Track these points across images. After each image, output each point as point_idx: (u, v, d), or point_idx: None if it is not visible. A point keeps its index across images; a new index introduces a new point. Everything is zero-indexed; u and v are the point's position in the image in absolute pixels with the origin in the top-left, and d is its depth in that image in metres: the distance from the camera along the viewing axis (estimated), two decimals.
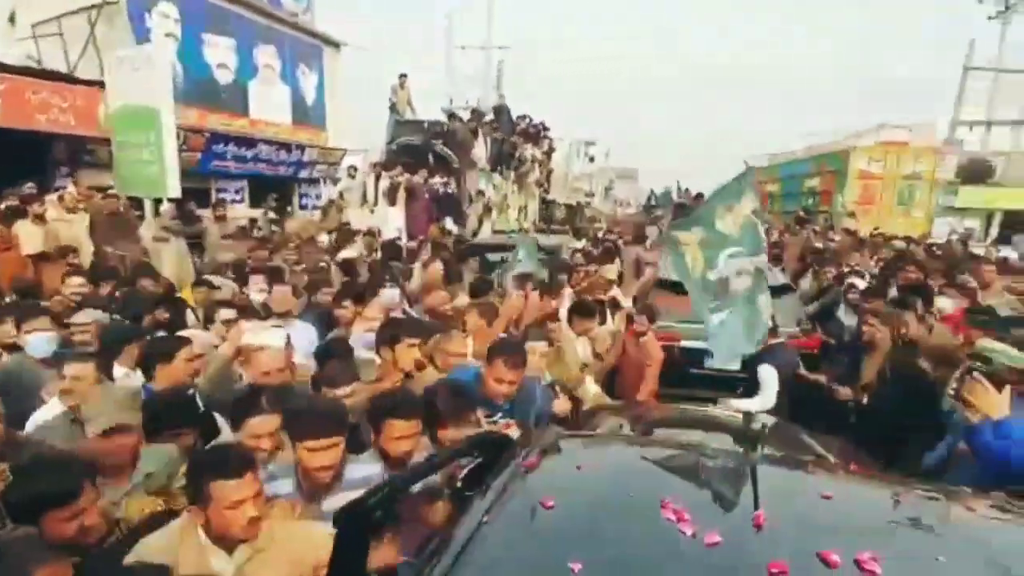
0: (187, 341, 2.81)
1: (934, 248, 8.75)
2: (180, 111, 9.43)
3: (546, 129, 16.54)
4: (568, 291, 5.30)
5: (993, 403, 2.27)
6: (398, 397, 2.23)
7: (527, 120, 15.25)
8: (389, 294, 4.31)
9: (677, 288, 5.29)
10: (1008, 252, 12.11)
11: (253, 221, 11.04)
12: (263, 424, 2.09)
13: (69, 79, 8.21)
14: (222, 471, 1.62)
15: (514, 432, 2.48)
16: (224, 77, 10.43)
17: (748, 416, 3.14)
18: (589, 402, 3.48)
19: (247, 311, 3.66)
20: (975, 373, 2.43)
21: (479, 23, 19.95)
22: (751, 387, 4.56)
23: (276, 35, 11.64)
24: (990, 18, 23.66)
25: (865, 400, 4.02)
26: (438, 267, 5.56)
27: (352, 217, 9.20)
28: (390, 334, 2.88)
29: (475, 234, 10.07)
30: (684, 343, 5.21)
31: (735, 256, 4.06)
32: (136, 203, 7.76)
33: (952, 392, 2.51)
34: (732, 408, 3.91)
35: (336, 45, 13.44)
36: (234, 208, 11.26)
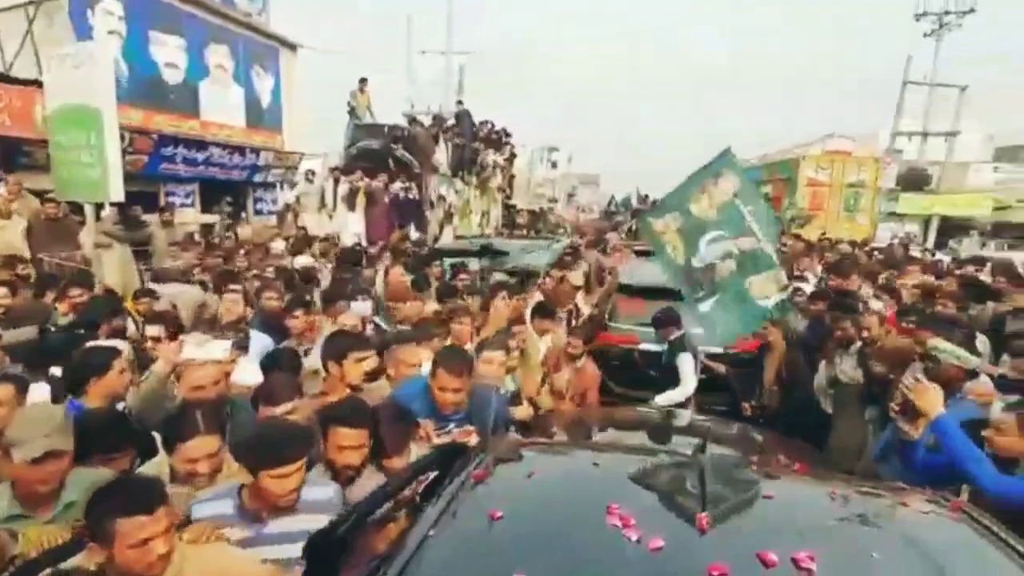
0: (118, 351, 2.65)
1: (876, 252, 9.17)
2: (125, 112, 9.07)
3: (508, 135, 16.61)
4: (537, 295, 5.34)
5: (934, 402, 2.30)
6: (346, 405, 2.18)
7: (489, 126, 15.29)
8: (362, 306, 4.17)
9: (637, 292, 5.71)
10: (942, 256, 12.79)
11: (206, 227, 10.71)
12: (199, 447, 1.98)
13: (5, 78, 7.77)
14: (128, 508, 1.48)
15: (474, 440, 2.47)
16: (173, 77, 10.07)
17: (698, 416, 3.23)
18: (543, 408, 3.49)
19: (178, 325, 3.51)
20: (918, 375, 2.47)
21: (441, 28, 19.82)
22: (711, 387, 4.88)
23: (229, 35, 11.32)
24: (925, 35, 25.15)
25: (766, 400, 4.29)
26: (398, 273, 5.49)
27: (309, 223, 9.00)
28: (337, 348, 2.77)
29: (436, 240, 10.01)
30: (643, 346, 5.29)
31: (717, 240, 4.15)
32: (76, 208, 7.39)
33: (896, 407, 2.48)
34: (657, 405, 4.12)
35: (292, 47, 13.16)
36: (184, 213, 10.90)
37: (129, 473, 2.02)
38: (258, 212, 12.72)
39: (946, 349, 2.95)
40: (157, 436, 2.19)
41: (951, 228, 23.10)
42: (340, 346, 2.74)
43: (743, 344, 5.27)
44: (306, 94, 14.29)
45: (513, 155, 16.96)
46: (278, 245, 7.46)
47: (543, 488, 1.58)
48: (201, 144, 10.58)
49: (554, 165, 34.61)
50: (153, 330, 3.32)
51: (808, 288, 5.27)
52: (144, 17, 9.45)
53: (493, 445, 1.97)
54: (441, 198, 11.03)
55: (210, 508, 1.86)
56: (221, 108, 11.15)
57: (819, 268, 6.99)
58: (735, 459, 2.11)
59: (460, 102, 15.03)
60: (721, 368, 4.75)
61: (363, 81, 11.98)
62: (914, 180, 23.35)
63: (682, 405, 4.22)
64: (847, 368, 3.71)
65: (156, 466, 2.08)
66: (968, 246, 20.29)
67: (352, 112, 12.07)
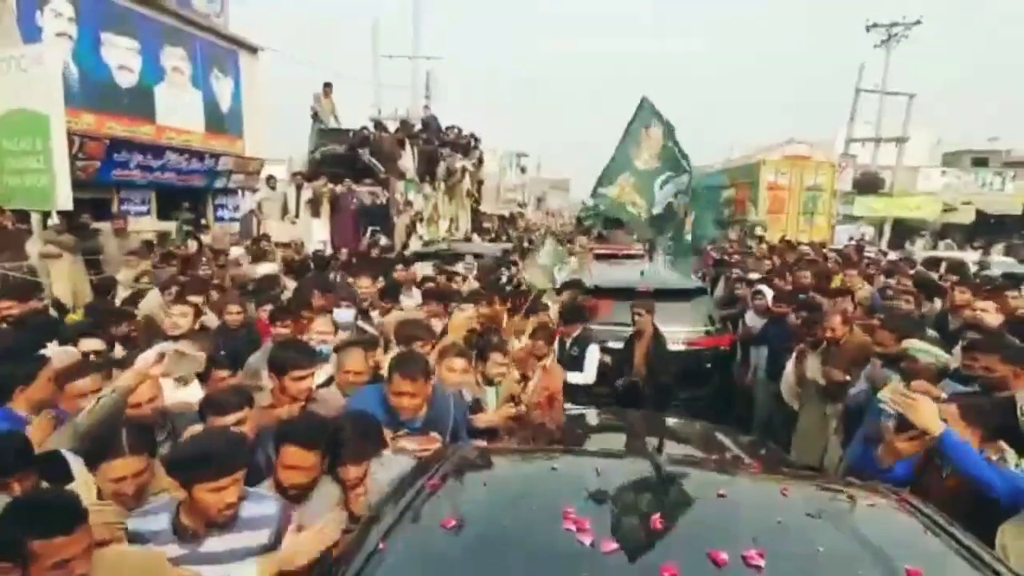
0: (47, 360, 2.50)
1: (832, 252, 9.48)
2: (75, 116, 8.73)
3: (476, 140, 16.60)
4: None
5: (931, 416, 1.99)
6: (302, 423, 2.11)
7: (456, 131, 15.26)
8: (346, 313, 4.04)
9: (600, 293, 5.82)
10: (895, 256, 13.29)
11: (163, 235, 10.38)
12: (123, 466, 1.89)
13: None
14: (47, 528, 1.41)
15: (435, 445, 2.44)
16: (126, 80, 9.74)
17: (659, 417, 3.27)
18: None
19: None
20: (901, 388, 2.19)
21: (409, 32, 19.67)
22: (679, 384, 5.10)
23: (186, 37, 11.02)
24: (875, 46, 26.23)
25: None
26: (364, 283, 5.36)
27: (272, 229, 8.80)
28: (279, 361, 2.61)
29: (404, 246, 9.90)
30: (610, 344, 5.31)
31: (667, 182, 4.74)
32: (23, 216, 7.07)
33: (890, 425, 2.12)
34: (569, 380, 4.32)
35: (253, 49, 12.89)
36: (140, 220, 10.54)
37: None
38: (219, 219, 12.39)
39: (922, 348, 2.97)
40: (72, 457, 2.03)
41: (904, 230, 24.09)
42: (282, 360, 2.60)
43: (711, 340, 5.57)
44: (268, 98, 14.03)
45: (481, 160, 16.97)
46: (237, 251, 7.25)
47: (499, 495, 1.58)
48: (157, 149, 10.25)
49: (523, 170, 34.76)
50: (90, 344, 3.08)
51: (769, 292, 5.39)
52: (96, 18, 9.13)
53: (450, 454, 1.96)
54: (408, 203, 10.94)
55: (145, 523, 1.78)
56: (178, 112, 10.84)
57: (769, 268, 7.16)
58: (691, 459, 2.11)
59: (427, 107, 14.96)
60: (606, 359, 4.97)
61: (327, 86, 11.80)
62: (868, 184, 24.30)
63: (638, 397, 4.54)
64: (813, 367, 3.80)
65: (84, 486, 1.95)
66: (920, 247, 21.21)
67: (316, 117, 11.87)
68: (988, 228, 25.88)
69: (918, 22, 25.83)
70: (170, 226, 10.53)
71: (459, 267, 6.65)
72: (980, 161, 31.28)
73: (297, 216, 8.82)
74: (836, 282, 6.02)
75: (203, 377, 2.88)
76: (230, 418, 2.20)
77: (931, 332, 3.83)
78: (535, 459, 2.12)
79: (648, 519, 1.36)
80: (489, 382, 3.31)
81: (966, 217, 25.23)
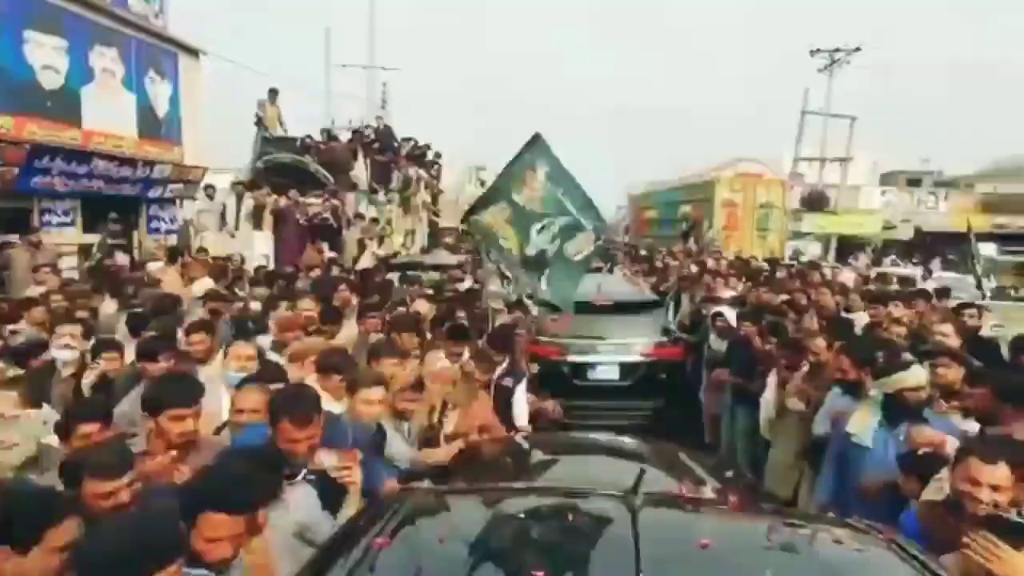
0: None
1: (792, 269, 9.56)
2: None
3: (437, 156, 16.25)
4: None
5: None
6: (222, 483, 1.69)
7: (412, 142, 14.86)
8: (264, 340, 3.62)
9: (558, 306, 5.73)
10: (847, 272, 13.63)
11: (86, 248, 9.56)
12: None
13: None
14: None
15: (356, 475, 2.18)
16: (51, 81, 8.96)
17: (629, 447, 3.09)
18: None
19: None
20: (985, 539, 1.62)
21: (363, 42, 19.27)
22: (633, 394, 5.55)
23: (119, 37, 10.29)
24: (819, 71, 27.44)
25: None
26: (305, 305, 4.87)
27: (210, 242, 8.18)
28: (153, 399, 2.25)
29: (355, 261, 9.41)
30: (570, 357, 5.65)
31: (545, 228, 4.48)
32: None
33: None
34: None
35: (195, 52, 12.22)
36: (63, 232, 9.70)
37: None
38: (153, 231, 11.58)
39: (916, 379, 2.82)
40: None
41: (848, 245, 25.09)
42: (157, 397, 2.23)
43: (665, 350, 5.80)
44: (213, 105, 13.33)
45: (439, 171, 16.60)
46: (155, 266, 6.60)
47: (457, 556, 1.38)
48: (83, 155, 9.46)
49: (483, 183, 34.63)
50: None
51: (731, 312, 5.23)
52: (18, 14, 8.38)
53: (390, 502, 1.81)
54: (359, 216, 10.45)
55: None
56: (108, 116, 10.07)
57: (738, 286, 7.10)
58: (668, 499, 1.97)
59: (380, 117, 14.50)
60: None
61: (273, 92, 11.23)
62: (816, 202, 25.21)
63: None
64: (793, 396, 3.58)
65: None
66: (863, 262, 22.08)
67: (260, 124, 11.28)
68: (925, 245, 27.39)
69: (858, 49, 27.14)
70: (95, 239, 9.72)
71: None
72: (914, 181, 33.18)
73: (237, 228, 8.21)
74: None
75: (63, 432, 2.32)
76: (112, 484, 1.77)
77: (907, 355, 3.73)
78: (496, 504, 1.86)
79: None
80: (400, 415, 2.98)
81: (905, 234, 26.49)
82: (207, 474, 1.76)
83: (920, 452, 2.42)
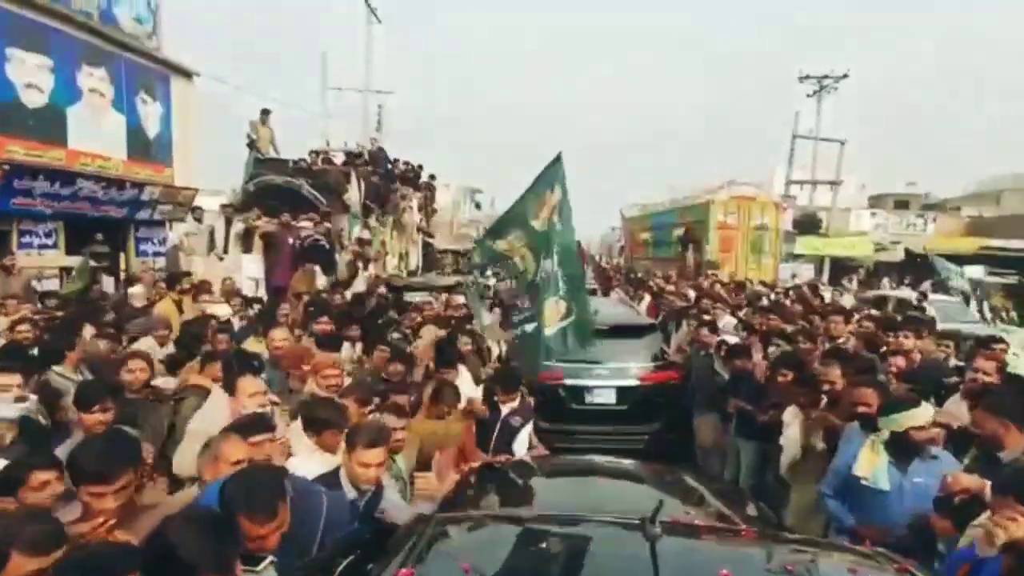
0: None
1: (789, 293, 9.41)
2: None
3: (431, 178, 16.10)
4: None
5: None
6: (157, 555, 1.41)
7: (405, 165, 14.71)
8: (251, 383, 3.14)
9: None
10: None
11: (68, 270, 9.24)
12: None
13: None
14: None
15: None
16: (33, 100, 8.73)
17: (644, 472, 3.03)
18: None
19: None
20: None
21: (359, 65, 19.24)
22: (630, 418, 5.49)
23: (108, 57, 10.11)
24: (808, 96, 27.85)
25: None
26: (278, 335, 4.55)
27: (197, 266, 7.90)
28: (75, 469, 1.94)
29: (347, 285, 9.13)
30: (567, 381, 5.62)
31: (545, 259, 4.18)
32: None
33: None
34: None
35: (188, 74, 12.07)
36: (44, 255, 9.38)
37: None
38: (141, 253, 11.28)
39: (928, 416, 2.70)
40: None
41: (839, 267, 25.17)
42: (74, 468, 1.92)
43: (658, 375, 5.73)
44: (207, 127, 13.16)
45: (433, 193, 16.44)
46: (137, 291, 6.31)
47: None
48: (67, 176, 9.20)
49: (478, 206, 34.66)
50: None
51: (732, 340, 5.03)
52: (1, 32, 8.17)
53: (417, 527, 1.78)
54: (358, 240, 10.21)
55: None
56: (95, 137, 9.84)
57: (744, 313, 6.91)
58: (686, 528, 1.89)
59: (374, 139, 14.37)
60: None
61: (265, 112, 11.07)
62: (808, 224, 25.36)
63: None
64: (818, 434, 3.35)
65: None
66: (856, 284, 22.10)
67: (252, 145, 11.08)
68: (915, 266, 27.56)
69: (846, 76, 27.61)
70: (75, 262, 9.39)
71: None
72: (901, 203, 33.64)
73: (225, 251, 7.95)
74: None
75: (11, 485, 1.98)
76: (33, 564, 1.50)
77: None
78: (511, 535, 1.83)
79: None
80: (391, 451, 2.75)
81: (896, 256, 26.63)
82: (147, 545, 1.51)
83: (957, 499, 2.33)
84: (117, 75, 10.30)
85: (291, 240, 8.12)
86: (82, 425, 2.68)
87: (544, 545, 1.63)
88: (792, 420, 3.55)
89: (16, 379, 2.85)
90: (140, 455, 2.11)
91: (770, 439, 3.93)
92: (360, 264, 9.15)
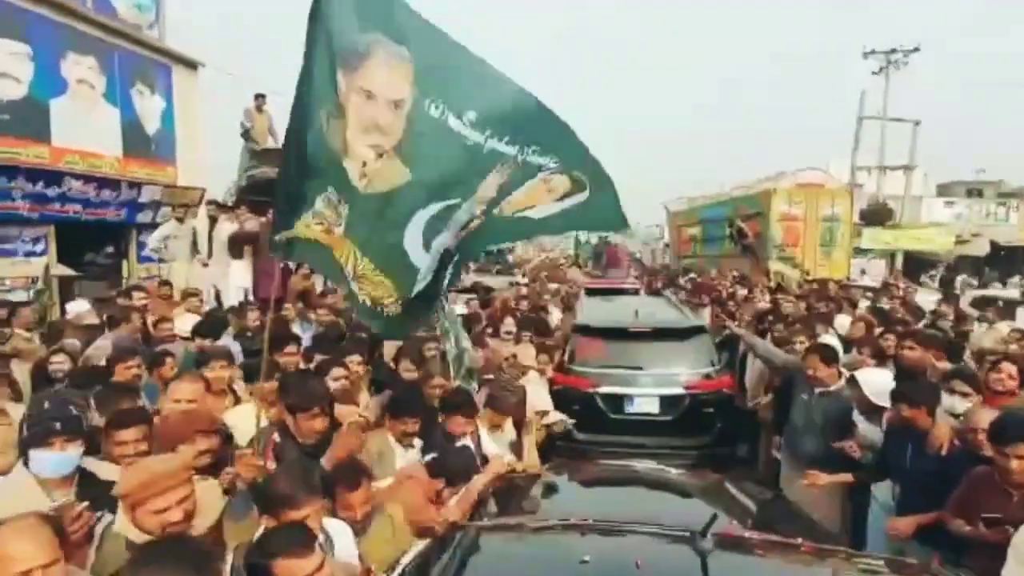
0: None
1: (892, 296, 7.65)
2: None
3: None
4: None
5: None
6: None
7: None
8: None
9: (596, 333, 5.59)
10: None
11: (65, 279, 8.43)
12: None
13: None
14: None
15: None
16: (9, 91, 7.91)
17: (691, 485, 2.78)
18: None
19: None
20: None
21: None
22: (676, 430, 5.14)
23: (99, 45, 9.27)
24: (874, 73, 25.33)
25: None
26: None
27: (178, 274, 6.86)
28: None
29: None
30: (602, 388, 5.28)
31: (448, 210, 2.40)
32: None
33: None
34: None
35: (192, 65, 11.20)
36: (29, 262, 8.59)
37: None
38: (145, 259, 10.45)
39: None
40: None
41: (915, 263, 22.72)
42: None
43: (711, 382, 5.32)
44: (214, 122, 12.29)
45: None
46: (78, 307, 5.23)
47: None
48: (53, 176, 8.38)
49: None
50: None
51: (873, 378, 3.43)
52: None
53: (458, 534, 1.88)
54: None
55: None
56: (84, 132, 9.00)
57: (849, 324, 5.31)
58: (742, 544, 1.76)
59: None
60: None
61: (260, 97, 10.02)
62: (876, 215, 22.99)
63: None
64: None
65: None
66: (935, 282, 19.76)
67: (247, 135, 10.07)
68: (999, 260, 24.71)
69: (916, 49, 25.01)
70: (65, 271, 8.56)
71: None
72: (974, 192, 30.49)
73: (210, 256, 6.90)
74: None
75: None
76: None
77: None
78: (557, 543, 1.82)
79: None
80: None
81: (980, 249, 24.01)
82: None
83: None
84: (109, 65, 9.45)
85: None
86: None
87: (586, 556, 1.59)
88: None
89: None
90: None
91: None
92: None
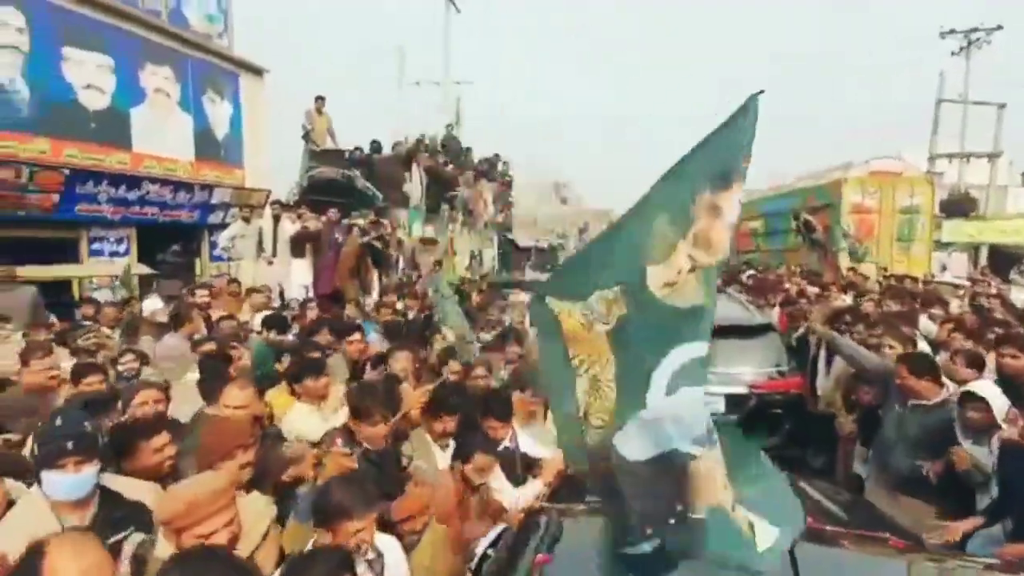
0: None
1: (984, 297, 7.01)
2: (24, 140, 7.44)
3: (505, 164, 14.81)
4: None
5: None
6: None
7: (481, 156, 13.48)
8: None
9: None
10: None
11: (145, 277, 8.92)
12: None
13: None
14: None
15: None
16: (94, 101, 8.45)
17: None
18: None
19: None
20: None
21: (435, 60, 18.47)
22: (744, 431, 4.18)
23: (172, 55, 9.79)
24: (954, 54, 23.53)
25: None
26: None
27: (245, 273, 7.13)
28: None
29: (413, 285, 8.03)
30: None
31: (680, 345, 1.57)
32: None
33: None
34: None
35: (258, 72, 11.66)
36: (113, 262, 9.15)
37: None
38: (216, 258, 10.96)
39: None
40: None
41: (1002, 257, 20.94)
42: None
43: (777, 384, 5.15)
44: (279, 126, 12.76)
45: (509, 185, 15.11)
46: (152, 305, 5.47)
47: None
48: (133, 180, 8.91)
49: (564, 201, 33.24)
50: None
51: (990, 392, 3.06)
52: (54, 31, 7.90)
53: (542, 516, 1.96)
54: (422, 240, 9.15)
55: None
56: (161, 139, 9.52)
57: (935, 327, 4.90)
58: (824, 536, 1.76)
59: (450, 126, 13.25)
60: None
61: (320, 99, 10.31)
62: (959, 205, 21.31)
63: None
64: None
65: None
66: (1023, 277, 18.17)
67: (307, 137, 10.36)
68: None
69: (999, 27, 23.05)
70: (143, 271, 9.07)
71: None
72: None
73: (274, 255, 7.13)
74: None
75: None
76: None
77: None
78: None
79: None
80: None
81: None
82: None
83: None
84: (183, 74, 9.97)
85: (338, 238, 7.12)
86: None
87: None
88: None
89: None
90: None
91: None
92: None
